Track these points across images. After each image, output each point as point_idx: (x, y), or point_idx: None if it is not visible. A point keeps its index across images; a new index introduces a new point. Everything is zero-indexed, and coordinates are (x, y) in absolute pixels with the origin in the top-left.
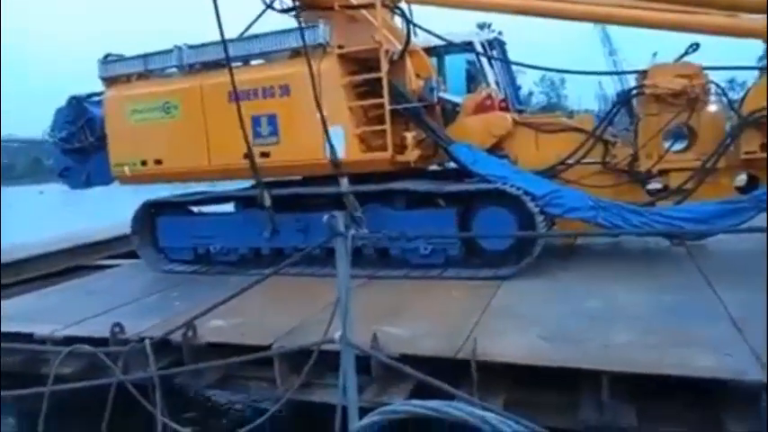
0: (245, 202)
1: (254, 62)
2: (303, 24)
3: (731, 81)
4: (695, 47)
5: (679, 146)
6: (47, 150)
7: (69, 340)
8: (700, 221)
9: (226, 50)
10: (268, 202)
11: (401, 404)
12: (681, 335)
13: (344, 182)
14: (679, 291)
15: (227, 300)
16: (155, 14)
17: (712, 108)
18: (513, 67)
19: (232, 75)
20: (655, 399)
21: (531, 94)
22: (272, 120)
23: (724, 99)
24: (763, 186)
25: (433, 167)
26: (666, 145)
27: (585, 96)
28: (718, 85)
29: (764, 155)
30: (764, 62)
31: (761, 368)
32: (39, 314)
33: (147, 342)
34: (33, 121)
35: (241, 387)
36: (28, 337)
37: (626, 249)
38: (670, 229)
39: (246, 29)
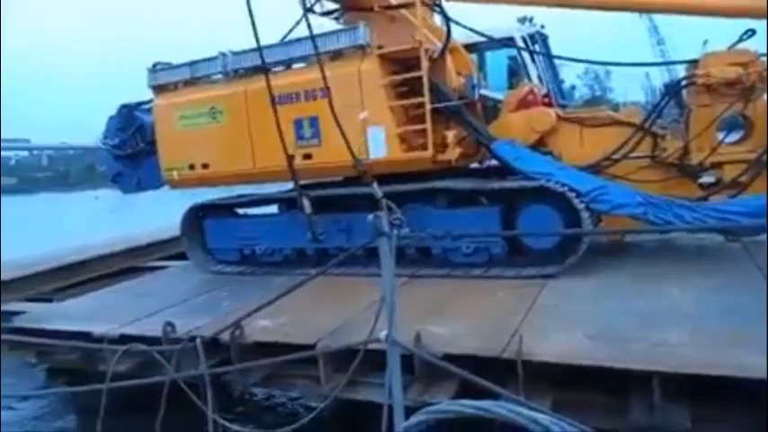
0: (288, 203)
1: (295, 65)
2: (343, 26)
3: None
4: (751, 33)
5: (734, 137)
6: (100, 157)
7: (124, 339)
8: (757, 216)
9: (261, 56)
10: (308, 210)
11: (449, 404)
12: (736, 335)
13: (375, 185)
14: (734, 289)
15: (273, 301)
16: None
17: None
18: (557, 61)
19: (268, 80)
20: (708, 400)
21: (573, 87)
22: (313, 122)
23: None
24: None
25: (475, 165)
26: (720, 136)
27: (632, 88)
28: None
29: None
30: None
31: None
32: (96, 314)
33: (198, 341)
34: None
35: (287, 385)
36: (86, 336)
37: (678, 246)
38: (724, 224)
39: (288, 33)
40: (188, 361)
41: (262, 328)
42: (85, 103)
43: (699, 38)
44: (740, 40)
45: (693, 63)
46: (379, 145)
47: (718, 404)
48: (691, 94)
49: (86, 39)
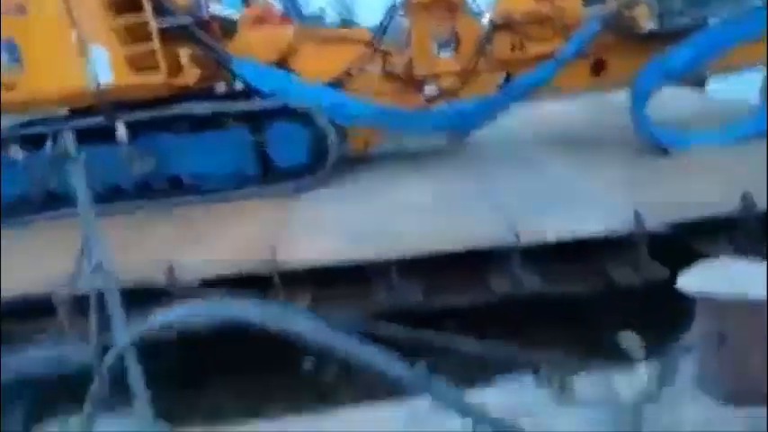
0: None
1: None
2: None
3: None
4: None
5: (447, 52)
6: None
7: None
8: (467, 117)
9: None
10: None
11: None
12: (457, 217)
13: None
14: (456, 181)
15: None
16: None
17: (470, 15)
18: None
19: None
20: (440, 274)
21: (323, 10)
22: (11, 45)
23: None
24: (514, 79)
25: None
26: (436, 51)
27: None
28: None
29: (515, 55)
30: None
31: (514, 235)
32: None
33: None
34: None
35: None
36: None
37: (411, 151)
38: (445, 127)
39: None
40: None
41: None
42: None
43: None
44: None
45: None
46: (104, 68)
47: (447, 275)
48: (411, 13)
49: None
